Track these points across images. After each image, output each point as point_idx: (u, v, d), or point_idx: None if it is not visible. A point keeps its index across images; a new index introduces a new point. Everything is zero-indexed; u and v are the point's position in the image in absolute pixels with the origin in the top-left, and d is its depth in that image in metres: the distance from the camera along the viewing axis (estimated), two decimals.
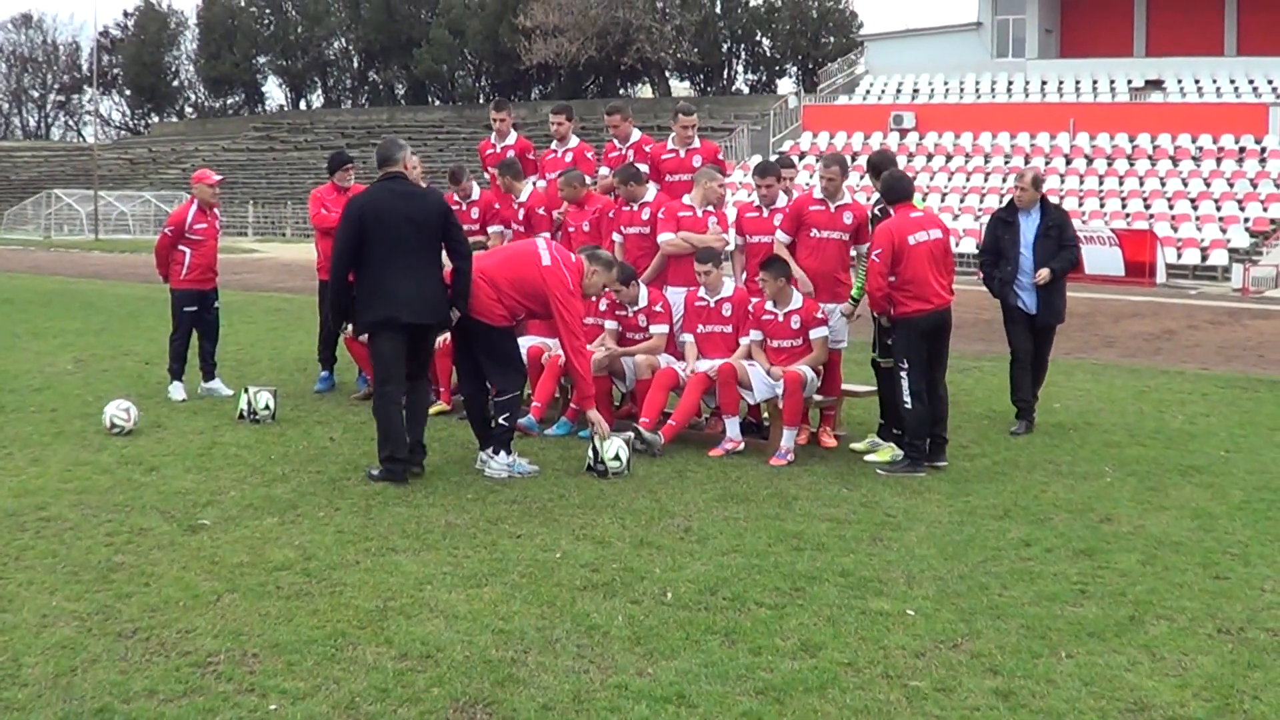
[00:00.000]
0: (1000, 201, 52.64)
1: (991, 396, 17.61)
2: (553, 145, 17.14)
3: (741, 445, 13.90)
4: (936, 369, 13.46)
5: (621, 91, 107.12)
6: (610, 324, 15.06)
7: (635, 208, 15.42)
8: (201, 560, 9.46)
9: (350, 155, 18.32)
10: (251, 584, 8.90)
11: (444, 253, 12.61)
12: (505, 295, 12.63)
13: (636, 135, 16.55)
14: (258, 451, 13.44)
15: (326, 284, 16.12)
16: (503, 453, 12.59)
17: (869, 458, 13.69)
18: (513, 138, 17.66)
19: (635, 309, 14.89)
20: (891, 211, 13.46)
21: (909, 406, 13.16)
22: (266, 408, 15.08)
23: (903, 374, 13.18)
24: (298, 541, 9.99)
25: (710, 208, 15.03)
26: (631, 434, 13.39)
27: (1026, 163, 58.21)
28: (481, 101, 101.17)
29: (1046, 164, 57.07)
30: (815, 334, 13.99)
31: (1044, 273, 15.18)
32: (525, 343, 14.79)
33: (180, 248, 16.82)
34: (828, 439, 14.63)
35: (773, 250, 14.53)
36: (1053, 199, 16.25)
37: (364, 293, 12.31)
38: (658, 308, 14.84)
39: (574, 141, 17.00)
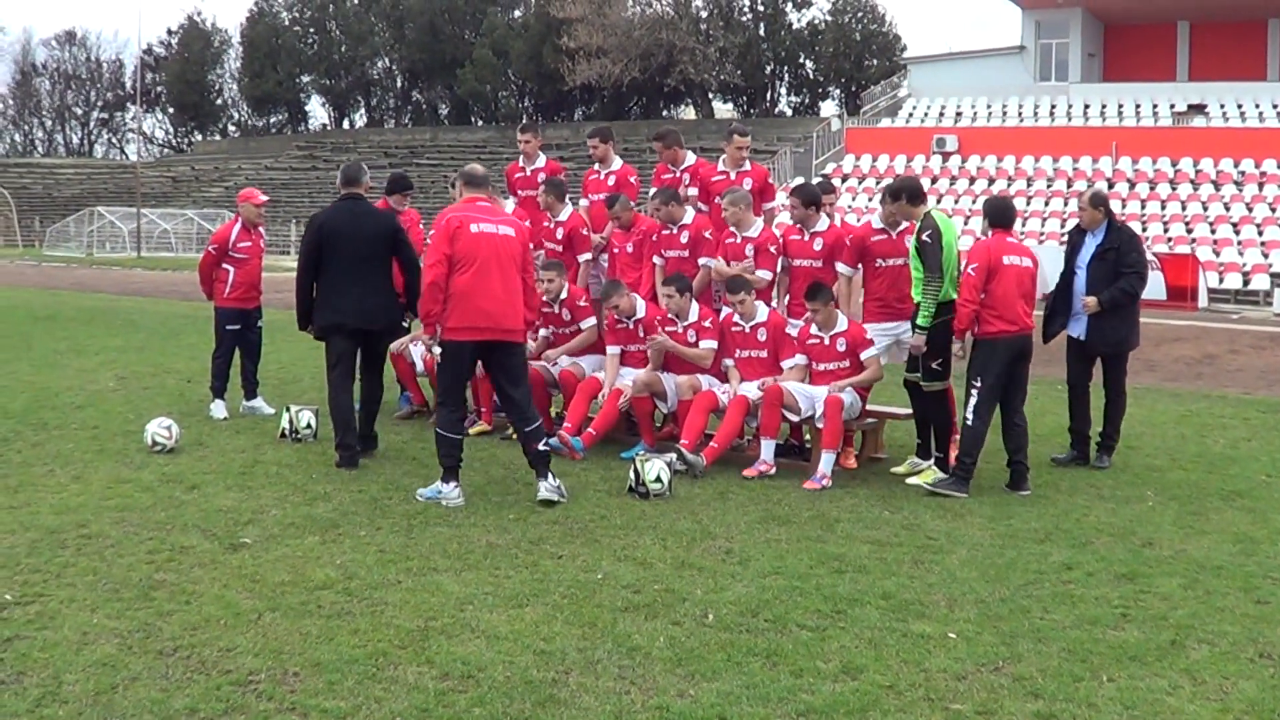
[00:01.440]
0: (1042, 226, 52.98)
1: (1033, 420, 17.44)
2: (595, 166, 17.09)
3: (773, 469, 13.85)
4: (1016, 395, 13.59)
5: (665, 113, 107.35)
6: (658, 337, 14.86)
7: (674, 230, 15.39)
8: (242, 578, 9.49)
9: (410, 181, 18.21)
10: (292, 603, 8.91)
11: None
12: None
13: (691, 159, 16.41)
14: (299, 470, 13.47)
15: None
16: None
17: (910, 480, 13.64)
18: (542, 160, 17.45)
19: (685, 323, 14.80)
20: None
21: (969, 423, 13.20)
22: (308, 426, 15.11)
23: (973, 391, 13.23)
24: (339, 560, 10.01)
25: (749, 232, 14.96)
26: (674, 455, 13.40)
27: (1069, 186, 58.08)
28: (524, 121, 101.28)
29: (1088, 188, 56.72)
30: (868, 354, 13.98)
31: (1090, 301, 14.88)
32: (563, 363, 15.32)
33: (224, 266, 16.86)
34: (848, 460, 14.66)
35: (813, 274, 14.54)
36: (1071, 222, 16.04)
37: (320, 300, 14.07)
38: (707, 323, 14.75)
39: (617, 164, 16.81)
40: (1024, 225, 54.78)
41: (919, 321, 13.55)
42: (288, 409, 15.36)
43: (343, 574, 9.62)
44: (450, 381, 12.52)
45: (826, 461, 13.57)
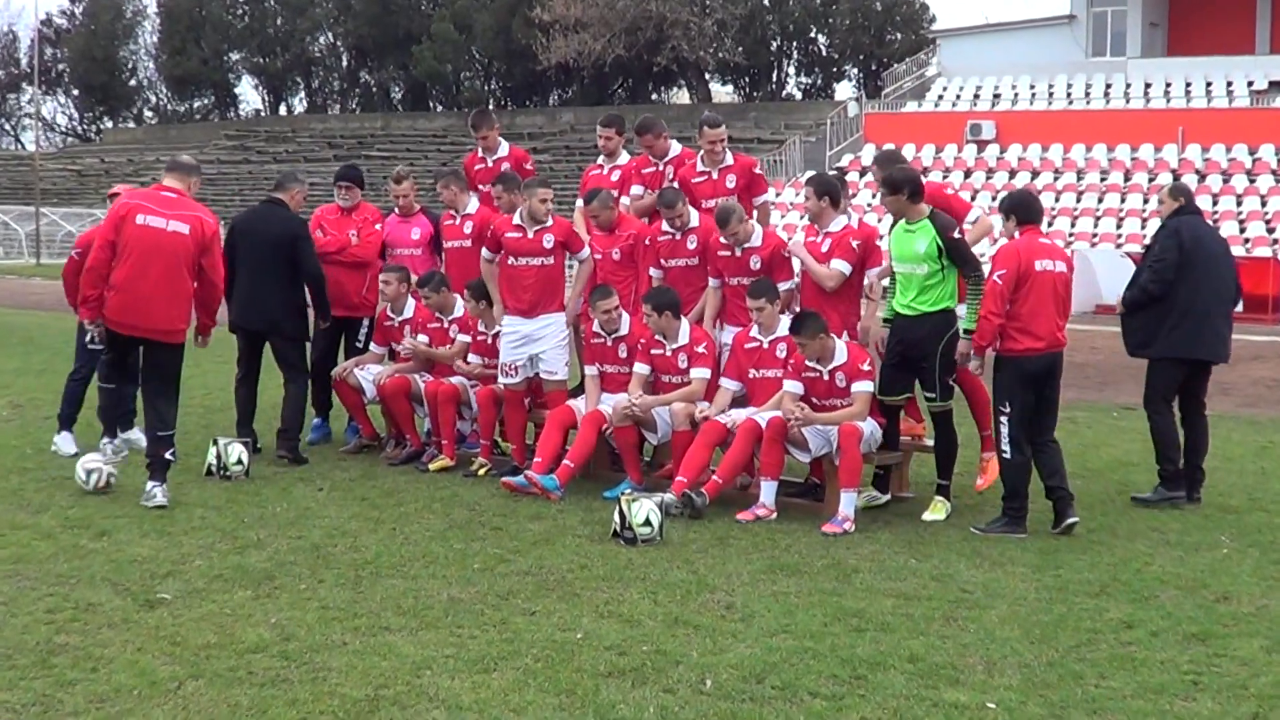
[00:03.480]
0: (1095, 227, 52.95)
1: (1085, 452, 17.57)
2: (599, 159, 17.08)
3: (774, 514, 13.84)
4: (1047, 417, 13.63)
5: (654, 97, 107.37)
6: (641, 368, 14.94)
7: (680, 235, 15.25)
8: (160, 641, 9.47)
9: (357, 170, 18.37)
10: (219, 669, 8.90)
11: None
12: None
13: (676, 149, 16.45)
14: (228, 513, 13.46)
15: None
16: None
17: (927, 517, 13.80)
18: (504, 149, 17.63)
19: (674, 346, 14.81)
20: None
21: (1008, 457, 13.27)
22: (239, 462, 15.08)
23: (1003, 420, 13.27)
24: (274, 619, 9.99)
25: (751, 242, 14.84)
26: (667, 495, 13.41)
27: (1126, 180, 58.06)
28: (491, 107, 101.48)
29: (1150, 180, 56.66)
30: (858, 388, 13.88)
31: (1118, 302, 15.23)
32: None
33: None
34: (918, 429, 14.88)
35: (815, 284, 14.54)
36: (1156, 222, 15.92)
37: (228, 298, 15.75)
38: (700, 348, 14.71)
39: (624, 158, 16.87)
40: (1073, 226, 54.86)
41: (965, 324, 13.72)
42: (215, 442, 15.31)
43: (278, 635, 9.61)
44: (106, 364, 15.38)
45: (847, 502, 13.55)
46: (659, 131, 16.35)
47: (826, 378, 13.93)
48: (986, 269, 13.74)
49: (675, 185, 15.65)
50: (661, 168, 16.27)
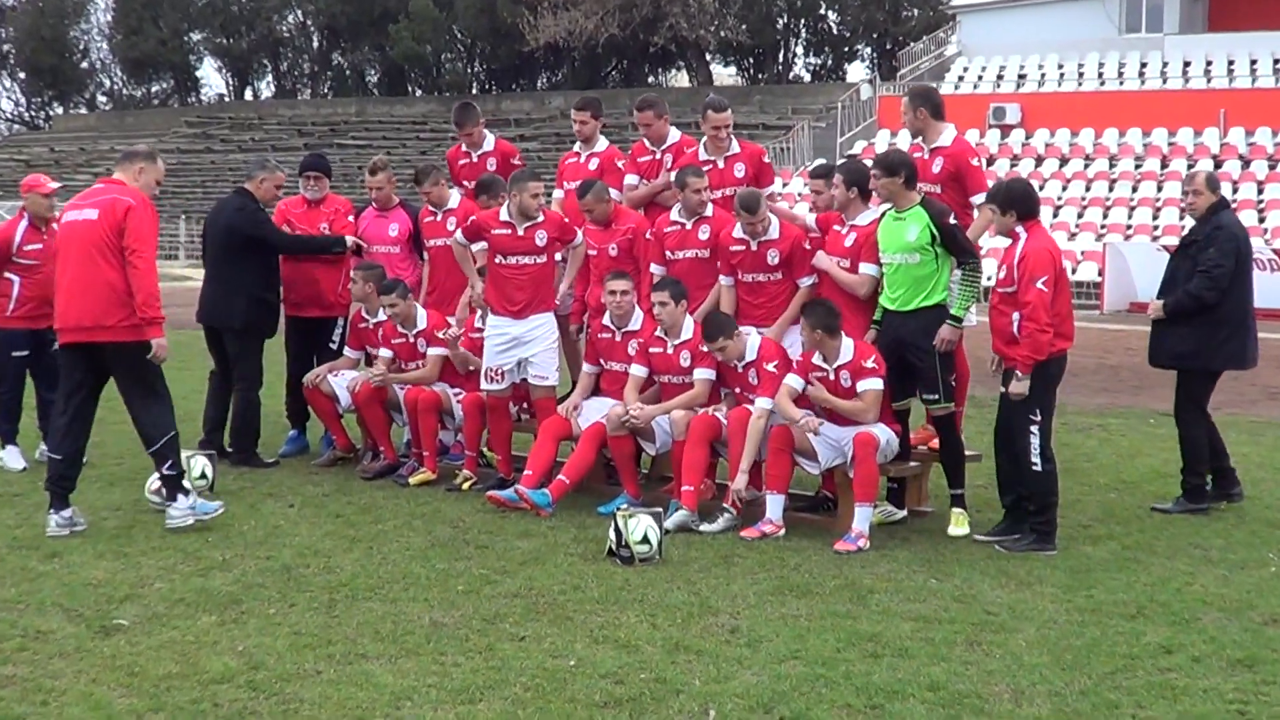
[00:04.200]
0: (1129, 218, 52.90)
1: (1119, 462, 17.58)
2: (575, 147, 17.04)
3: (782, 531, 13.82)
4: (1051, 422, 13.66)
5: (651, 80, 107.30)
6: (638, 370, 14.94)
7: (690, 225, 15.14)
8: (117, 671, 9.47)
9: (324, 160, 18.39)
10: (181, 701, 8.90)
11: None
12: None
13: (675, 135, 16.32)
14: (191, 532, 13.44)
15: (294, 320, 16.70)
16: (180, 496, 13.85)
17: (953, 531, 13.86)
18: (490, 142, 17.60)
19: (676, 343, 14.79)
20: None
21: (1039, 469, 13.28)
22: (203, 476, 15.06)
23: (1033, 429, 13.26)
24: (241, 646, 9.99)
25: (768, 235, 14.70)
26: (680, 514, 13.51)
27: (1163, 168, 57.93)
28: (475, 92, 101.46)
29: (1190, 168, 56.34)
30: (864, 385, 13.77)
31: (1155, 305, 15.21)
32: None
33: (7, 275, 16.60)
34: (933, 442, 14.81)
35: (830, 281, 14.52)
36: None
37: None
38: (705, 346, 14.60)
39: (602, 144, 16.82)
40: (1105, 218, 54.81)
41: (955, 311, 13.71)
42: None
43: (246, 663, 9.61)
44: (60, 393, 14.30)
45: (862, 517, 13.53)
46: (660, 111, 16.20)
47: (832, 376, 13.87)
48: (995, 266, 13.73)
49: (698, 167, 15.33)
50: (659, 155, 16.15)
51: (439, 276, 16.80)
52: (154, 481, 14.14)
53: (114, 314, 13.30)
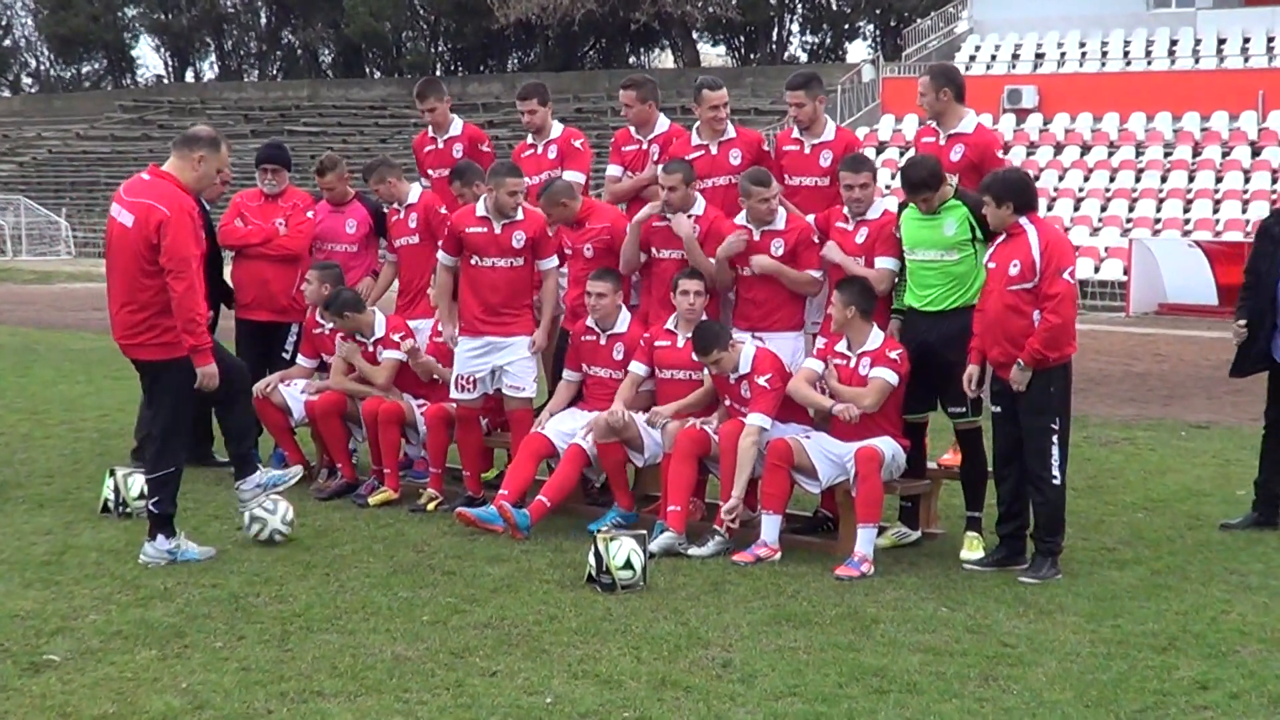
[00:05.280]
0: (1158, 211, 52.80)
1: (1148, 479, 17.60)
2: (529, 139, 17.02)
3: (778, 555, 13.81)
4: None
5: (633, 60, 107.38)
6: (638, 368, 14.91)
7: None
8: (48, 711, 9.47)
9: (283, 150, 18.41)
10: None
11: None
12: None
13: (664, 124, 16.17)
14: (128, 558, 13.43)
15: (245, 324, 16.57)
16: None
17: (965, 556, 13.85)
18: (457, 126, 17.56)
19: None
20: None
21: (1058, 483, 13.27)
22: (141, 496, 15.02)
23: (1053, 440, 13.24)
24: (185, 683, 9.99)
25: (773, 225, 14.65)
26: (665, 537, 13.55)
27: (1195, 155, 57.84)
28: (439, 73, 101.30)
29: (1225, 155, 56.57)
30: (876, 373, 13.74)
31: (1237, 328, 15.19)
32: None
33: None
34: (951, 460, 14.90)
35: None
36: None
37: None
38: (696, 358, 14.56)
39: (556, 131, 16.80)
40: (1131, 211, 54.74)
41: (911, 303, 13.90)
42: (112, 472, 15.28)
43: (190, 702, 9.62)
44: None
45: (865, 540, 13.52)
46: (645, 95, 15.98)
47: (854, 363, 13.86)
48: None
49: (686, 161, 15.19)
50: (646, 145, 16.02)
51: (408, 275, 16.80)
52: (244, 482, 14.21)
53: (142, 331, 13.36)
